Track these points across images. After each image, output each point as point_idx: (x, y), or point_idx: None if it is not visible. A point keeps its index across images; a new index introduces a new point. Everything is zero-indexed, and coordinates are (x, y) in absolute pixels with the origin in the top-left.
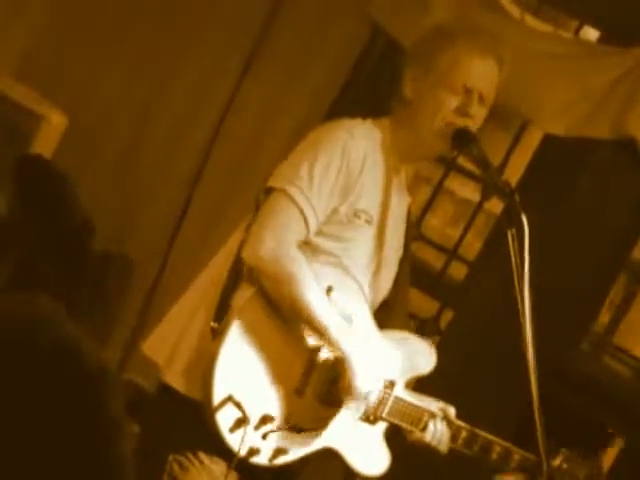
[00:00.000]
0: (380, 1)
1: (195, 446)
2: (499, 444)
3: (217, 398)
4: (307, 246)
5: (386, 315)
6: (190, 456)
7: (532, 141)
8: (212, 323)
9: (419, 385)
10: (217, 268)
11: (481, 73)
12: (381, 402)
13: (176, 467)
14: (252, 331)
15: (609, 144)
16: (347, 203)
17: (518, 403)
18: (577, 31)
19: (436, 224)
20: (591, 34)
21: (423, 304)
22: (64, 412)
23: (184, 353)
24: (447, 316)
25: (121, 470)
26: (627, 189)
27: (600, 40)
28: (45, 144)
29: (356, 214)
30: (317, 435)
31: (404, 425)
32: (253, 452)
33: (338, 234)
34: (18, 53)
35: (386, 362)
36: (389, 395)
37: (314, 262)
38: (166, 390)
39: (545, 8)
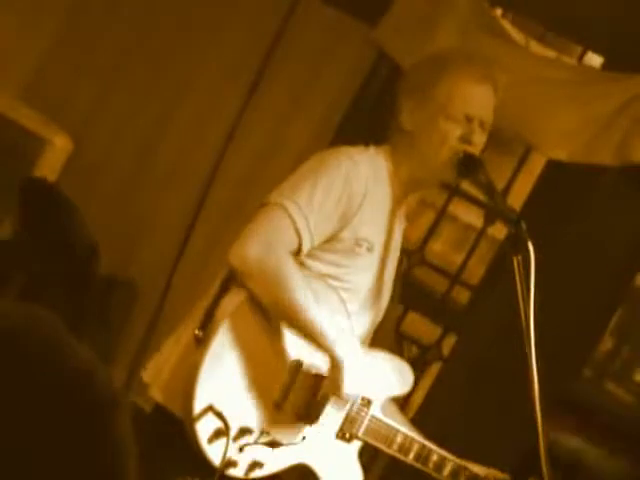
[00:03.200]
0: (384, 26)
1: (189, 465)
2: (451, 461)
3: (198, 407)
4: (305, 270)
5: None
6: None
7: (536, 166)
8: (196, 331)
9: (421, 409)
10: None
11: (480, 100)
12: (357, 420)
13: None
14: (236, 340)
15: (613, 170)
16: (349, 230)
17: (521, 430)
18: (581, 57)
19: (439, 249)
20: (595, 60)
21: (426, 329)
22: (74, 439)
23: (168, 368)
24: (450, 341)
25: None
26: (631, 215)
27: (604, 66)
28: (50, 167)
29: (357, 242)
30: (292, 450)
31: (378, 445)
32: (230, 464)
33: (339, 261)
34: (24, 76)
35: (364, 380)
36: (365, 414)
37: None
38: (158, 410)
39: (549, 34)
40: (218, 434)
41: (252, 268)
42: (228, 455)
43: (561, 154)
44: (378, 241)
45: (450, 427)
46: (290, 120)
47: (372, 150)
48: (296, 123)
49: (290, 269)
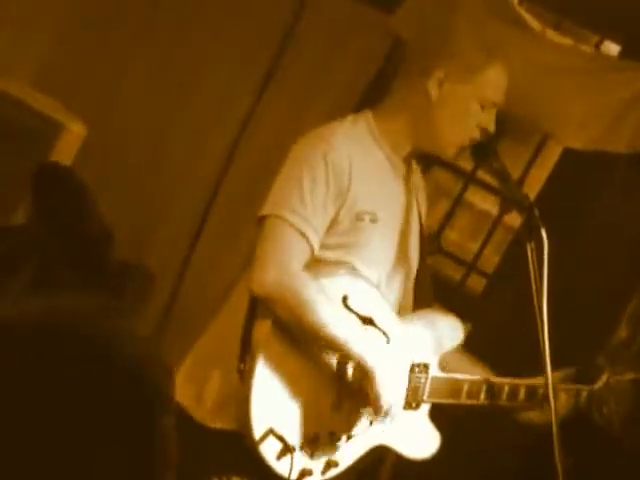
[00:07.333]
0: (402, 13)
1: (226, 472)
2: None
3: (258, 434)
4: (316, 262)
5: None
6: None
7: (552, 155)
8: (238, 364)
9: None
10: (234, 309)
11: (503, 92)
12: (419, 388)
13: None
14: (277, 361)
15: (629, 158)
16: (345, 209)
17: None
18: (598, 45)
19: (455, 237)
20: (612, 48)
21: None
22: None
23: (212, 392)
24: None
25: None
26: None
27: (621, 54)
28: (64, 153)
29: (358, 217)
30: (364, 437)
31: (446, 401)
32: (305, 473)
33: (345, 242)
34: (38, 62)
35: (415, 347)
36: (426, 379)
37: (321, 278)
38: (195, 426)
39: (566, 22)
40: (285, 451)
41: (271, 293)
42: (302, 466)
43: (577, 142)
44: (383, 209)
45: (466, 413)
46: (305, 109)
47: (349, 120)
48: (311, 112)
49: (307, 288)
